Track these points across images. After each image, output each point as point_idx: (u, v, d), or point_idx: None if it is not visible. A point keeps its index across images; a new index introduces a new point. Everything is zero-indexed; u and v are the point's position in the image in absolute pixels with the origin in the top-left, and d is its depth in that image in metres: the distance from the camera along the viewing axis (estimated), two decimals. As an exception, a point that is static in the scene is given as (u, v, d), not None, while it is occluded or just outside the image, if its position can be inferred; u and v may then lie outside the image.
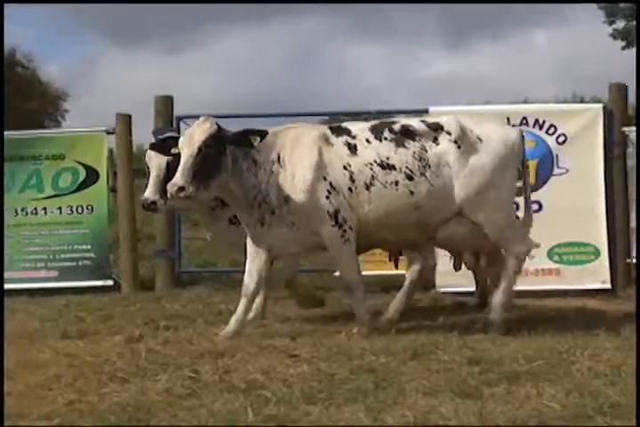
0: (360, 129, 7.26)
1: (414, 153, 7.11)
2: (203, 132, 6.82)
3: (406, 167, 7.07)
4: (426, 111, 9.70)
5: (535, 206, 9.15)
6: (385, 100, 55.33)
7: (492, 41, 69.18)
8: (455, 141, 7.14)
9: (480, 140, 7.19)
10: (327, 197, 6.97)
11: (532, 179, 9.35)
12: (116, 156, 10.78)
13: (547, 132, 9.60)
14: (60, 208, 10.30)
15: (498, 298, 7.19)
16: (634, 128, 9.69)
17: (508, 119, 9.52)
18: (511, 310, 7.41)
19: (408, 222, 7.09)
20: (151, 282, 10.56)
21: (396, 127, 7.23)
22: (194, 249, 11.77)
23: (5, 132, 10.42)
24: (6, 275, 10.10)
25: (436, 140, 7.15)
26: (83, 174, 10.34)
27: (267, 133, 6.92)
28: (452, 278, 8.91)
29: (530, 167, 9.28)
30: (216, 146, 6.80)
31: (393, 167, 7.07)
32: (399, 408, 4.67)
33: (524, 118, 9.63)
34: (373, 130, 7.24)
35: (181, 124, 10.29)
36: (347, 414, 4.59)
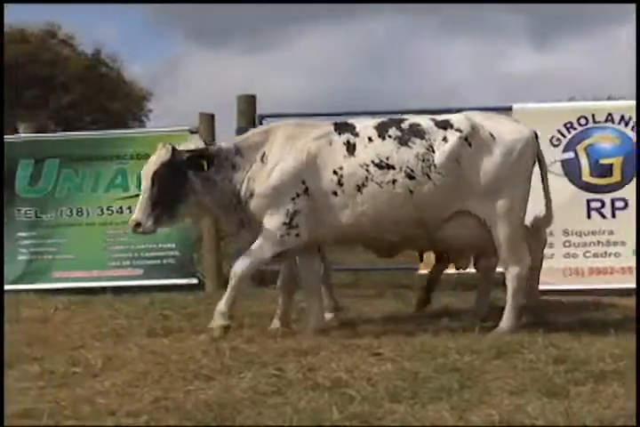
0: (365, 126, 7.17)
1: (418, 152, 6.98)
2: (154, 163, 6.99)
3: (407, 167, 6.94)
4: (509, 109, 9.62)
5: (621, 204, 9.04)
6: (468, 98, 55.11)
7: (577, 38, 68.38)
8: (466, 139, 7.01)
9: (492, 137, 7.05)
10: (293, 199, 6.94)
11: (616, 176, 9.24)
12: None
13: (632, 128, 9.45)
14: (144, 207, 10.42)
15: (507, 318, 7.01)
16: None
17: (593, 116, 9.41)
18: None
19: (408, 221, 6.98)
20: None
21: (404, 125, 7.12)
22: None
23: (91, 132, 10.61)
24: (93, 273, 10.29)
25: (445, 138, 7.02)
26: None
27: (214, 157, 6.99)
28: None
29: (615, 164, 9.18)
30: (171, 173, 6.91)
31: (392, 167, 6.95)
32: (484, 407, 4.65)
33: (609, 115, 9.48)
34: (379, 127, 7.14)
35: (264, 122, 10.35)
36: (431, 412, 4.57)
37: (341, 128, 7.16)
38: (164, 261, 10.31)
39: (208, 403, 4.78)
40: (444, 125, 7.10)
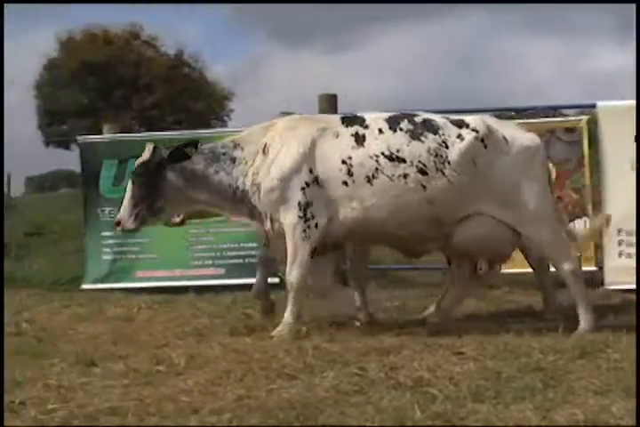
0: (375, 118, 7.10)
1: (430, 147, 6.90)
2: (136, 163, 7.26)
3: (419, 161, 6.86)
4: (593, 106, 9.51)
5: None
6: (553, 96, 54.48)
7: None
8: (482, 140, 6.96)
9: (506, 140, 7.00)
10: (303, 189, 6.90)
11: None
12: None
13: None
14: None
15: (583, 319, 6.91)
16: None
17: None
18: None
19: (420, 217, 6.88)
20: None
21: (417, 119, 7.07)
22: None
23: (174, 132, 10.73)
24: (176, 273, 10.41)
25: (460, 136, 6.95)
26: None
27: (198, 143, 7.22)
28: (622, 276, 8.71)
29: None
30: (148, 172, 7.12)
31: (403, 160, 6.87)
32: (568, 407, 4.59)
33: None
34: (390, 120, 7.06)
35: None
36: (515, 412, 4.54)
37: (349, 121, 7.10)
38: (246, 261, 10.38)
39: (290, 402, 4.80)
40: (460, 124, 7.04)
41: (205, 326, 7.40)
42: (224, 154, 7.19)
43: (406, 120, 7.04)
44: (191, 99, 40.86)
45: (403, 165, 6.85)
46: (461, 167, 6.86)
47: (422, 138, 6.93)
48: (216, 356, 6.01)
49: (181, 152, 7.16)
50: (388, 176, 6.84)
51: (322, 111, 10.59)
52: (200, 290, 9.83)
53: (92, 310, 8.53)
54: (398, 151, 6.88)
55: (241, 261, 10.44)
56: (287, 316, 6.92)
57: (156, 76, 40.94)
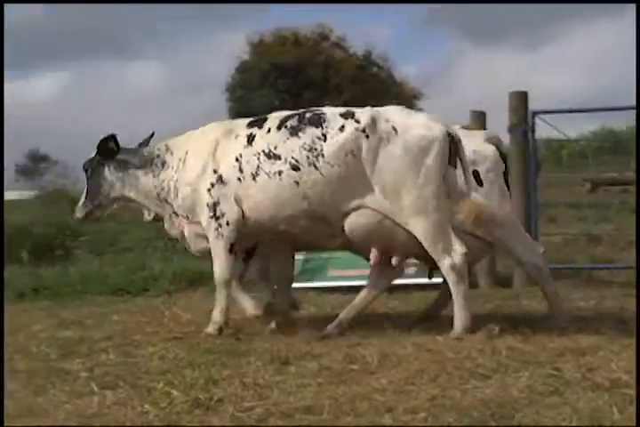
0: (273, 118, 7.28)
1: (305, 142, 6.94)
2: None
3: (292, 157, 6.94)
4: None
5: None
6: None
7: None
8: (364, 130, 6.83)
9: (395, 131, 6.81)
10: (209, 190, 7.21)
11: None
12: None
13: None
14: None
15: (457, 316, 6.76)
16: None
17: None
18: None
19: (301, 214, 6.95)
20: (508, 279, 10.58)
21: (308, 115, 7.09)
22: (552, 245, 11.64)
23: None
24: (368, 272, 10.48)
25: (342, 127, 6.90)
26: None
27: (112, 136, 7.70)
28: None
29: None
30: (91, 167, 7.81)
31: (278, 157, 7.00)
32: None
33: None
34: (284, 119, 7.19)
35: (537, 119, 10.24)
36: None
37: (252, 123, 7.35)
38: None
39: (485, 401, 4.78)
40: (346, 116, 6.98)
41: (397, 325, 7.42)
42: (158, 156, 7.66)
43: (296, 117, 7.14)
44: (379, 98, 41.04)
45: (278, 162, 6.99)
46: (337, 159, 6.84)
47: (300, 133, 7.00)
48: (409, 355, 6.03)
49: (104, 146, 7.72)
50: (266, 173, 7.02)
51: (512, 109, 10.49)
52: (391, 289, 9.86)
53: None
54: (275, 148, 7.04)
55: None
56: (214, 314, 7.26)
57: (344, 77, 41.34)
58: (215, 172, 7.24)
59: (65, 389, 5.40)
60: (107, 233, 14.79)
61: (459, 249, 6.72)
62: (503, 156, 7.69)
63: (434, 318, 7.65)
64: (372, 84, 41.83)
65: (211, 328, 7.20)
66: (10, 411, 4.92)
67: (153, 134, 7.99)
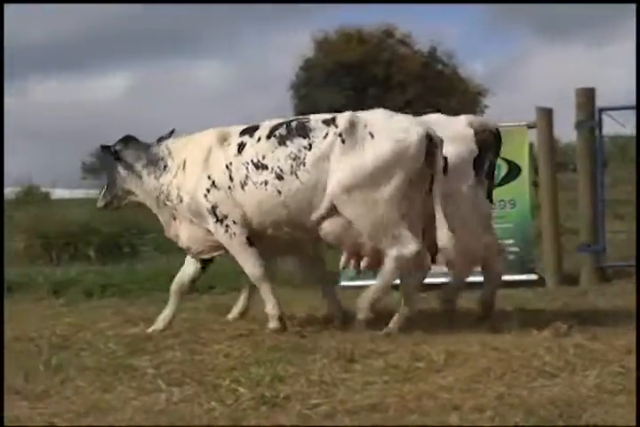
0: (264, 127, 7.32)
1: (291, 151, 7.03)
2: None
3: (277, 167, 7.05)
4: None
5: None
6: None
7: None
8: (340, 135, 6.89)
9: (372, 136, 6.85)
10: (205, 195, 7.34)
11: None
12: (536, 150, 10.80)
13: None
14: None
15: (364, 297, 6.99)
16: None
17: None
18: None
19: (285, 222, 7.14)
20: (575, 276, 10.48)
21: (294, 124, 7.16)
22: (619, 242, 11.51)
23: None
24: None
25: (326, 135, 6.96)
26: (505, 169, 10.41)
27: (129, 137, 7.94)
28: None
29: None
30: (107, 163, 8.09)
31: (265, 167, 7.11)
32: None
33: None
34: (273, 127, 7.25)
35: (604, 115, 10.14)
36: None
37: (245, 130, 7.41)
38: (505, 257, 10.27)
39: (553, 400, 4.74)
40: (329, 122, 7.03)
41: (462, 323, 7.38)
42: (162, 159, 7.74)
43: (284, 126, 7.20)
44: (443, 96, 40.88)
45: (265, 171, 7.10)
46: (315, 167, 6.95)
47: (288, 142, 7.08)
48: (475, 353, 6.00)
49: (110, 148, 7.97)
50: (253, 183, 7.15)
51: (579, 106, 10.40)
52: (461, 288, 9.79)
53: (349, 306, 8.68)
54: (263, 158, 7.14)
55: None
56: (268, 310, 7.30)
57: (408, 74, 41.24)
58: (209, 178, 7.37)
59: (132, 385, 5.46)
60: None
61: (412, 245, 6.78)
62: (489, 140, 7.60)
63: (493, 315, 7.61)
64: (436, 81, 41.68)
65: (272, 324, 7.24)
66: (78, 407, 4.99)
67: (173, 131, 8.04)
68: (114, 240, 14.33)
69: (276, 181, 7.05)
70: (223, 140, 7.46)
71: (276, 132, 7.19)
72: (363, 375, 5.51)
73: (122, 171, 7.92)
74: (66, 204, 19.26)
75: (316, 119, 7.14)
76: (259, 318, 7.72)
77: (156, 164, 7.75)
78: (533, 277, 10.34)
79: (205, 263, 7.65)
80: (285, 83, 45.97)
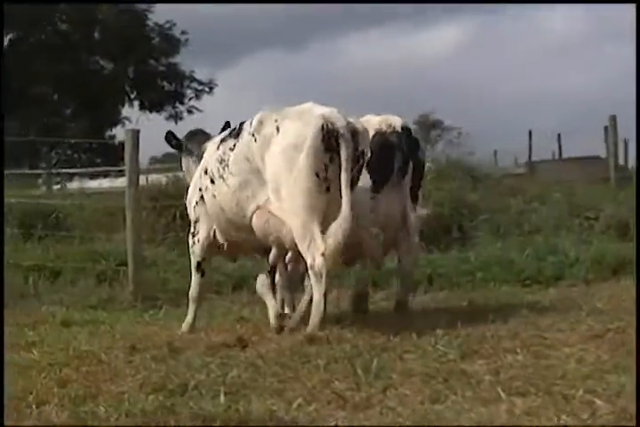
0: (225, 132, 8.43)
1: (219, 155, 8.12)
2: None
3: (211, 171, 8.18)
4: None
5: None
6: None
7: None
8: (252, 134, 7.82)
9: (278, 131, 7.70)
10: (194, 207, 8.57)
11: None
12: None
13: None
14: None
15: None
16: None
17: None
18: None
19: (230, 225, 8.22)
20: None
21: (238, 126, 8.14)
22: None
23: None
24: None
25: (244, 135, 7.93)
26: None
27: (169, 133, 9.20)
28: None
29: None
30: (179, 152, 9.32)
31: (206, 172, 8.27)
32: None
33: None
34: (229, 132, 8.34)
35: None
36: None
37: (218, 138, 8.45)
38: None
39: None
40: (250, 122, 7.94)
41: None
42: (201, 157, 8.63)
43: (231, 132, 8.25)
44: None
45: (207, 176, 8.26)
46: (237, 167, 7.94)
47: (221, 146, 8.19)
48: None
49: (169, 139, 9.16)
50: (201, 189, 8.38)
51: None
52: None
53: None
54: (207, 164, 8.29)
55: None
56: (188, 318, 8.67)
57: None
58: (200, 190, 8.45)
59: (466, 395, 5.49)
60: (510, 211, 14.77)
61: (319, 249, 7.46)
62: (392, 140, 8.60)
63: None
64: None
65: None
66: (404, 420, 5.08)
67: (228, 124, 8.86)
68: (441, 223, 14.36)
69: (211, 185, 8.16)
70: (212, 147, 8.44)
71: (225, 138, 8.25)
72: None
73: (184, 159, 9.21)
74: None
75: (248, 122, 8.02)
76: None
77: (198, 161, 8.73)
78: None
79: None
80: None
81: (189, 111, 49.91)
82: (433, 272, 11.43)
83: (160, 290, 11.36)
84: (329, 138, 7.55)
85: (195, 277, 8.67)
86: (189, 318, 8.63)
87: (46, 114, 45.30)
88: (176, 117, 49.52)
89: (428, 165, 18.51)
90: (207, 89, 50.13)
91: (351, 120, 7.74)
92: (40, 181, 23.96)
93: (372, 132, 8.36)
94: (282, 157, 7.65)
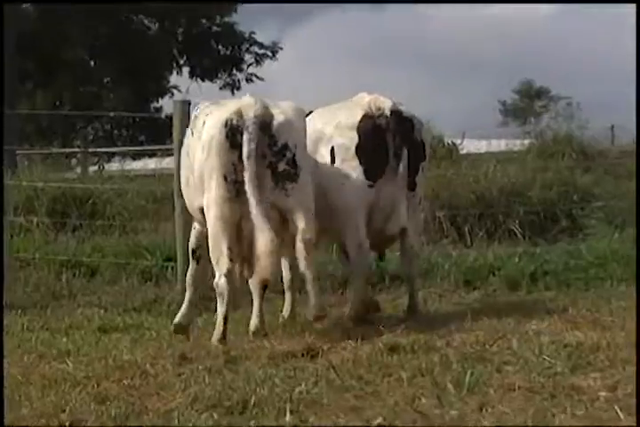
0: None
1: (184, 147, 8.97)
2: None
3: (180, 161, 9.15)
4: None
5: None
6: None
7: None
8: (191, 129, 8.66)
9: (204, 124, 8.34)
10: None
11: None
12: None
13: None
14: None
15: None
16: None
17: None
18: None
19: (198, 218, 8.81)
20: None
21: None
22: None
23: None
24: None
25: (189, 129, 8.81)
26: None
27: None
28: None
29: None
30: None
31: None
32: None
33: None
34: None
35: None
36: None
37: None
38: None
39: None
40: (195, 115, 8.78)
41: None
42: None
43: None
44: None
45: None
46: (183, 162, 8.86)
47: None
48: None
49: None
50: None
51: None
52: None
53: None
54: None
55: None
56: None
57: None
58: None
59: (577, 413, 5.48)
60: (629, 197, 14.55)
61: (221, 269, 8.17)
62: (381, 124, 9.01)
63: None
64: None
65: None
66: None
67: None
68: (547, 210, 14.28)
69: (182, 177, 8.87)
70: None
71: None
72: None
73: None
74: (476, 160, 19.31)
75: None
76: None
77: None
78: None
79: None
80: None
81: (248, 79, 49.86)
82: (537, 269, 11.36)
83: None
84: (233, 134, 8.09)
85: (191, 265, 9.18)
86: (184, 308, 9.14)
87: (82, 83, 45.54)
88: (233, 86, 49.38)
89: (530, 140, 18.38)
90: (270, 53, 49.92)
91: (276, 110, 8.27)
92: (74, 161, 24.16)
93: (361, 114, 8.99)
94: (199, 157, 8.34)
